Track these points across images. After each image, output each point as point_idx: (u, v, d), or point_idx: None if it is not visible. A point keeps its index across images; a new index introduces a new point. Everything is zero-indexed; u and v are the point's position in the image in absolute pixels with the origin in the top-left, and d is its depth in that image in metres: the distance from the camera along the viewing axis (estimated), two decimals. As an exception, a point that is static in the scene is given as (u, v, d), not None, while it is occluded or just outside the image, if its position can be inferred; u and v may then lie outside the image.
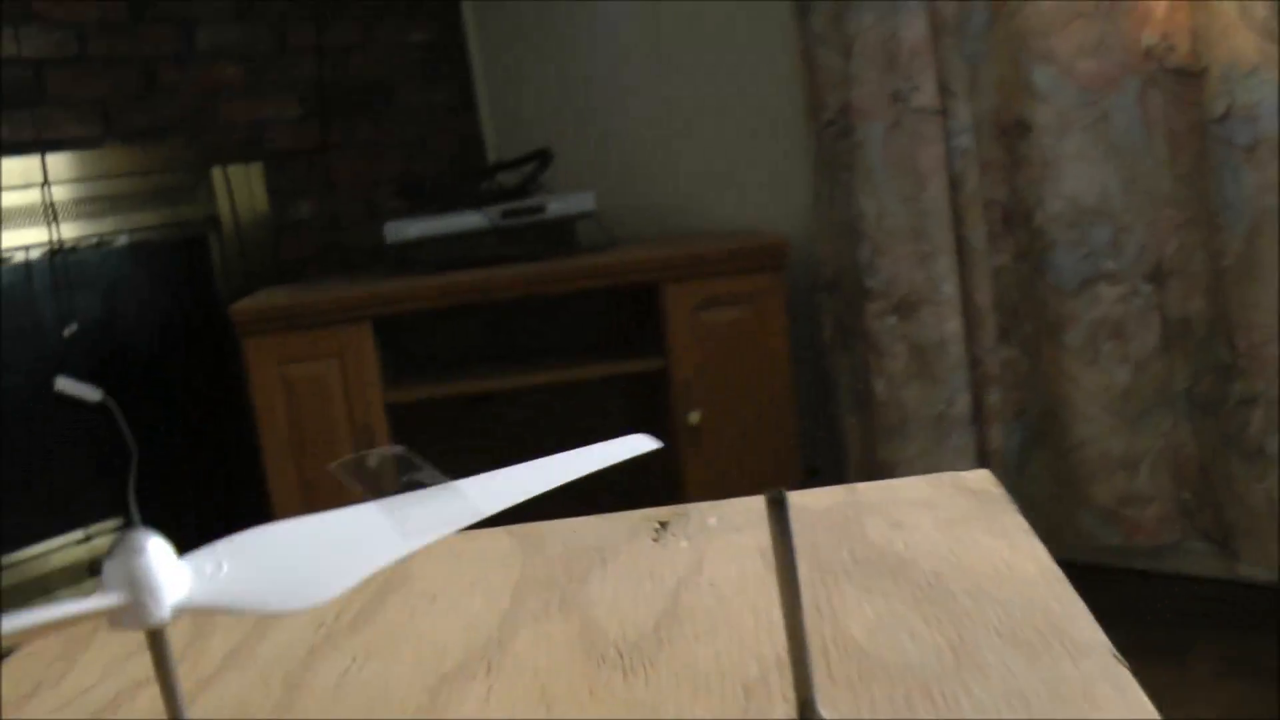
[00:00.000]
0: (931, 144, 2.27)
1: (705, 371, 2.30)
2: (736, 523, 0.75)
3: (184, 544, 0.40)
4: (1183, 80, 2.14)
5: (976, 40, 2.29)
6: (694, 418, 2.29)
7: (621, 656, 0.58)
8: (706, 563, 0.68)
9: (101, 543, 2.40)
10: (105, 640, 0.68)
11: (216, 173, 2.59)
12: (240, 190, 2.63)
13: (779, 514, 0.46)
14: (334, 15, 2.81)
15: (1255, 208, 2.04)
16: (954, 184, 2.30)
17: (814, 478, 2.58)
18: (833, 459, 2.61)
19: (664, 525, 0.76)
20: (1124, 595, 2.27)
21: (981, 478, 0.79)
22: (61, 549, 2.36)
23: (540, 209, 2.41)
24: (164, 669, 0.43)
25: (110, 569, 0.42)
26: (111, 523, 2.44)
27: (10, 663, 0.67)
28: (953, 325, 2.30)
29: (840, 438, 2.56)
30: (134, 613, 0.42)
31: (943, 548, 0.67)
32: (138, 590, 0.41)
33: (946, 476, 0.79)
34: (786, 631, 0.48)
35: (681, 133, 2.77)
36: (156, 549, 0.42)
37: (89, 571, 2.38)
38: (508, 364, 2.44)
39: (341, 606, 0.67)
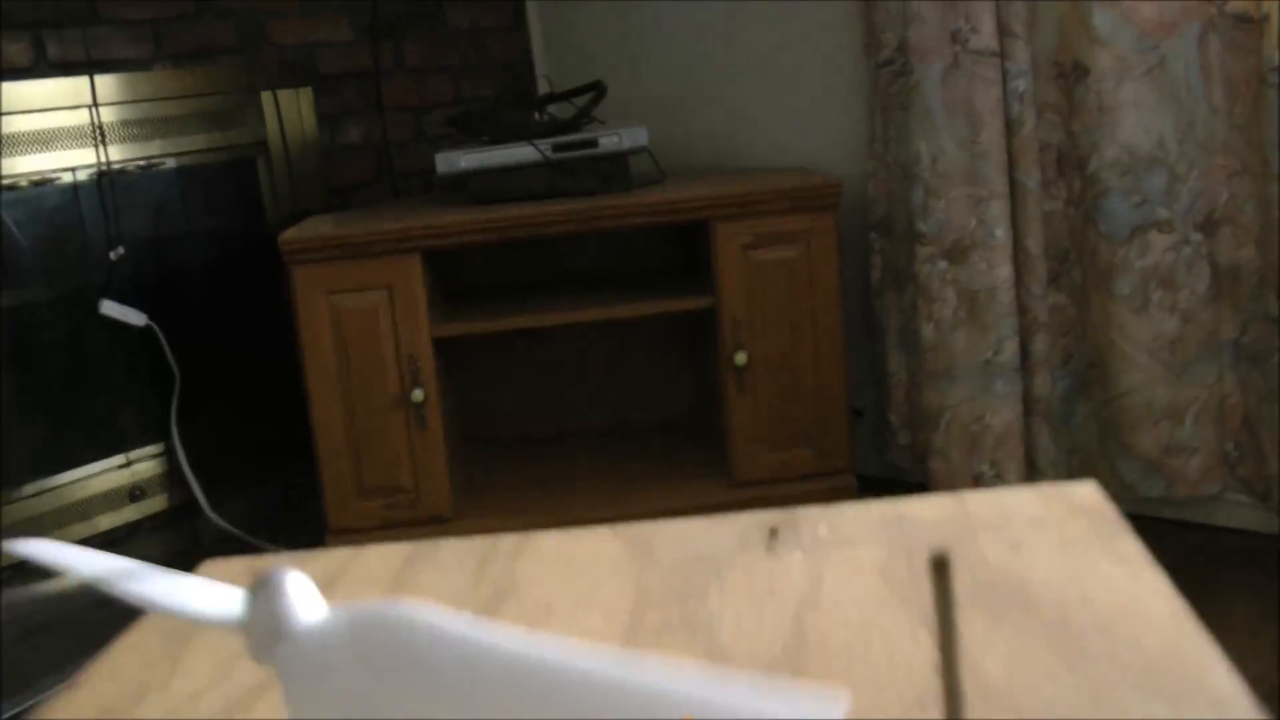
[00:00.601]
0: (989, 86, 2.25)
1: (754, 311, 2.30)
2: (848, 533, 0.74)
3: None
4: (1243, 26, 2.13)
5: (1037, -19, 2.27)
6: (740, 358, 2.29)
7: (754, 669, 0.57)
8: (825, 580, 0.68)
9: (143, 468, 2.42)
10: (208, 639, 0.67)
11: (266, 96, 2.57)
12: (290, 114, 2.61)
13: (942, 579, 0.45)
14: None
15: (1313, 156, 2.04)
16: (1010, 127, 2.28)
17: (859, 418, 2.59)
18: (876, 400, 2.63)
19: (774, 534, 0.75)
20: (1165, 545, 2.28)
21: (1089, 493, 0.78)
22: (102, 474, 2.37)
23: (593, 143, 2.39)
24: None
25: (251, 600, 0.43)
26: (153, 449, 2.45)
27: (108, 658, 0.66)
28: (1003, 271, 2.29)
29: (885, 379, 2.57)
30: (259, 645, 0.42)
31: (1064, 574, 0.66)
32: (269, 626, 0.42)
33: (1054, 490, 0.79)
34: (944, 697, 0.48)
35: (736, 68, 2.75)
36: (297, 588, 0.43)
37: (129, 498, 2.39)
38: (556, 299, 2.44)
39: (448, 595, 0.67)
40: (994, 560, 0.69)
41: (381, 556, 0.76)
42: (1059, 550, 0.69)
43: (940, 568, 0.46)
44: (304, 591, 0.43)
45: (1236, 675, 0.54)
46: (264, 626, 0.43)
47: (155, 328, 2.40)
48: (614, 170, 2.41)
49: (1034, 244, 2.31)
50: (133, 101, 2.38)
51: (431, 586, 0.71)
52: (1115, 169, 2.21)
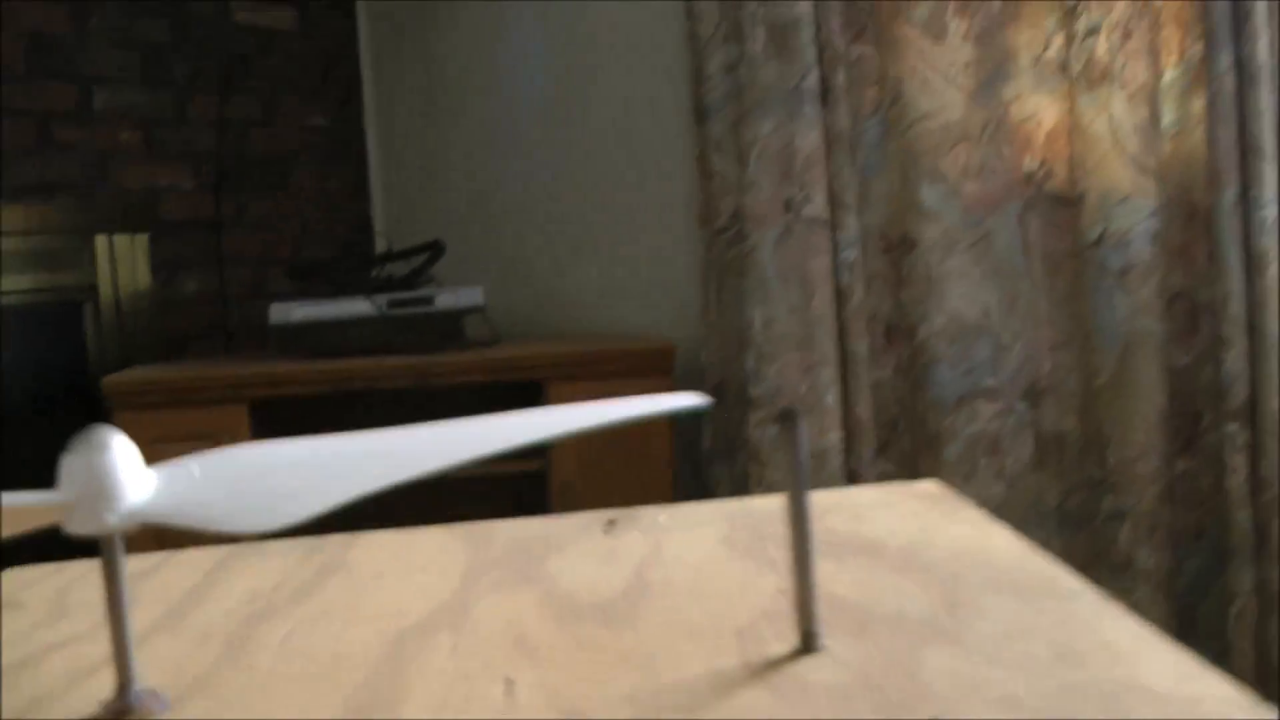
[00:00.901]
0: (820, 254, 2.30)
1: (585, 475, 2.28)
2: (689, 521, 0.75)
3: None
4: (1060, 205, 2.21)
5: (869, 155, 2.34)
6: (571, 516, 2.27)
7: (601, 612, 0.56)
8: (665, 548, 0.68)
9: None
10: None
11: (100, 240, 2.55)
12: (124, 260, 2.59)
13: (790, 431, 0.46)
14: (237, 88, 2.81)
15: (1127, 329, 2.10)
16: (840, 295, 2.33)
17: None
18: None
19: (612, 523, 0.75)
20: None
21: (930, 485, 0.80)
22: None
23: (428, 300, 2.40)
24: (113, 582, 0.41)
25: (68, 464, 0.39)
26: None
27: None
28: (833, 436, 2.31)
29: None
30: (86, 514, 0.39)
31: (907, 532, 0.68)
32: (94, 489, 0.39)
33: (895, 485, 0.81)
34: (793, 556, 0.49)
35: (574, 233, 2.79)
36: (121, 449, 0.40)
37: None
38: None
39: (278, 582, 0.65)
40: (841, 529, 0.70)
41: (201, 553, 0.74)
42: (902, 519, 0.71)
43: (788, 419, 0.47)
44: (125, 450, 0.41)
45: (1084, 580, 0.56)
46: (96, 492, 0.40)
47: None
48: (449, 328, 2.42)
49: (863, 411, 2.33)
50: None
51: (255, 570, 0.68)
52: (943, 338, 2.26)
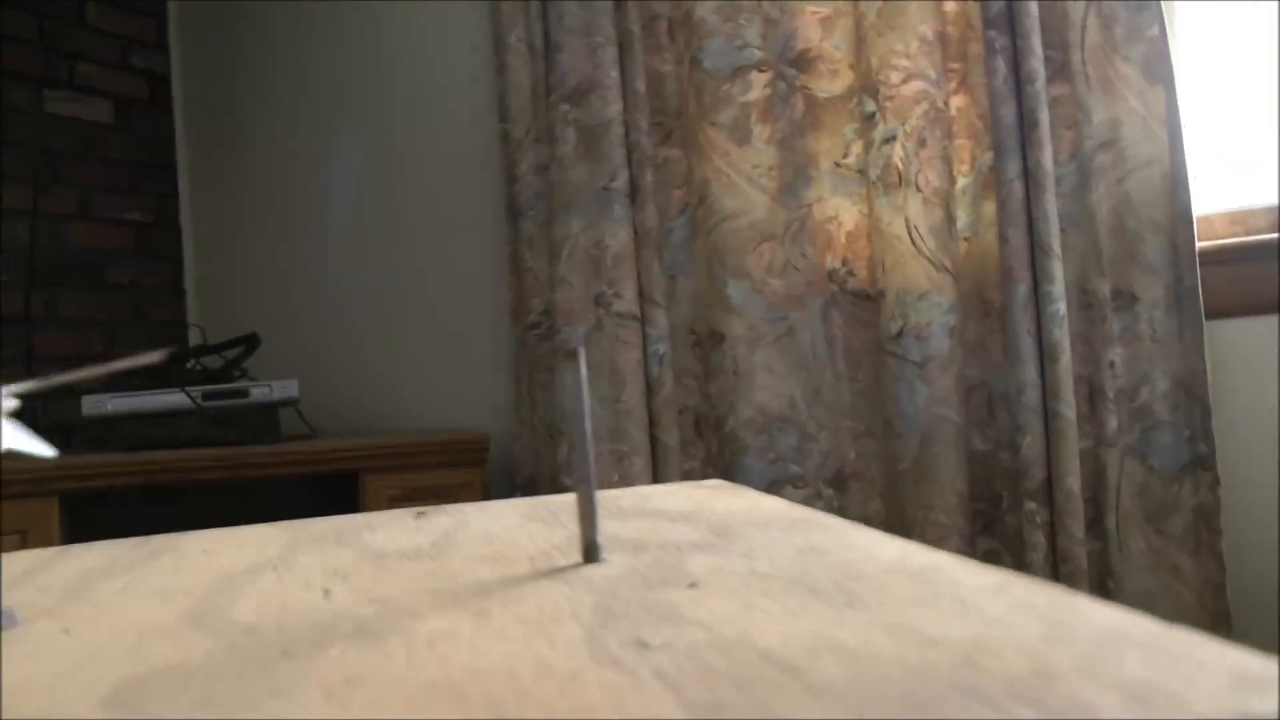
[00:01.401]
0: (630, 348, 2.36)
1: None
2: (494, 509, 0.78)
3: None
4: (861, 302, 2.31)
5: (677, 253, 2.41)
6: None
7: (405, 556, 0.60)
8: (470, 523, 0.72)
9: None
10: None
11: (-93, 333, 2.52)
12: (-70, 355, 2.56)
13: (573, 364, 0.52)
14: (52, 181, 2.79)
15: (927, 417, 2.19)
16: (650, 388, 2.38)
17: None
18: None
19: (423, 513, 0.78)
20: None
21: (718, 481, 0.86)
22: None
23: (244, 393, 2.40)
24: None
25: None
26: None
27: None
28: (645, 523, 2.35)
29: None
30: None
31: (691, 505, 0.72)
32: None
33: (684, 483, 0.87)
34: (576, 476, 0.54)
35: (390, 328, 2.81)
36: None
37: None
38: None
39: (109, 563, 0.66)
40: (628, 505, 0.74)
41: (26, 553, 0.75)
42: (685, 499, 0.76)
43: (571, 354, 0.53)
44: None
45: (847, 521, 0.61)
46: None
47: None
48: (264, 421, 2.42)
49: (675, 500, 2.38)
50: None
51: (85, 558, 0.69)
52: (750, 428, 2.32)
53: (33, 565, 0.67)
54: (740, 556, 0.52)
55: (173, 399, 2.36)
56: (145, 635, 0.44)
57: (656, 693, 0.31)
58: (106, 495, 2.34)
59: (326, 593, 0.51)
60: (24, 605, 0.54)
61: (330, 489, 2.52)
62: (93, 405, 2.34)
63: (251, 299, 3.02)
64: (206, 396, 2.37)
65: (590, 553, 0.54)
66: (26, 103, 2.78)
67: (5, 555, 0.73)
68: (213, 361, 2.53)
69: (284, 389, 2.42)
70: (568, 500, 0.81)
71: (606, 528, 0.65)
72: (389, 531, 0.70)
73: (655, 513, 0.70)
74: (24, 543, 2.14)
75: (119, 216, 2.95)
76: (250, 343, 2.51)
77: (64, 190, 2.83)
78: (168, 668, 0.38)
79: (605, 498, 0.80)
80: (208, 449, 2.31)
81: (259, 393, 2.40)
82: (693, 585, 0.46)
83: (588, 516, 0.55)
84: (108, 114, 2.94)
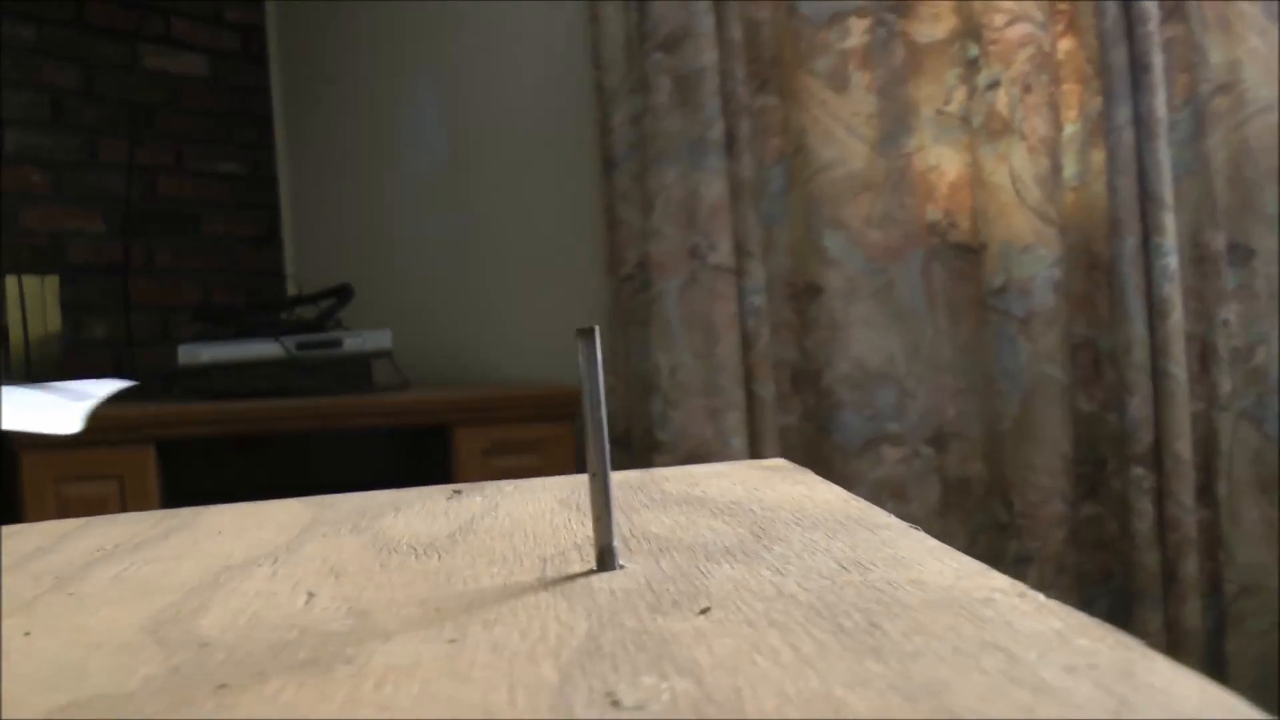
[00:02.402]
0: (726, 301, 2.32)
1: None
2: (534, 489, 0.76)
3: None
4: (963, 255, 2.25)
5: (773, 203, 2.37)
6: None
7: (414, 550, 0.57)
8: (502, 506, 0.69)
9: None
10: None
11: (10, 281, 2.54)
12: (34, 302, 2.57)
13: (587, 346, 0.48)
14: (147, 134, 2.80)
15: (1030, 375, 2.13)
16: (746, 342, 2.34)
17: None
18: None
19: (458, 492, 0.76)
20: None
21: (780, 461, 0.81)
22: None
23: (336, 343, 2.39)
24: None
25: None
26: None
27: None
28: (738, 480, 2.32)
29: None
30: None
31: (740, 492, 0.68)
32: None
33: (744, 461, 0.82)
34: (589, 473, 0.50)
35: (482, 280, 2.79)
36: None
37: None
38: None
39: (124, 539, 0.65)
40: (672, 490, 0.71)
41: (57, 523, 0.74)
42: (736, 484, 0.72)
43: (586, 335, 0.49)
44: None
45: (900, 519, 0.57)
46: None
47: None
48: (356, 371, 2.41)
49: (770, 455, 2.34)
50: None
51: (105, 531, 0.68)
52: (847, 383, 2.28)
53: (46, 541, 0.66)
54: (770, 571, 0.48)
55: (267, 349, 2.36)
56: (97, 649, 0.42)
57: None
58: (201, 443, 2.35)
59: (310, 597, 0.48)
60: (12, 591, 0.53)
61: (421, 441, 2.51)
62: (188, 354, 2.34)
63: (345, 249, 3.02)
64: (300, 346, 2.37)
65: (604, 559, 0.50)
66: (120, 58, 2.79)
67: (32, 525, 0.73)
68: (306, 313, 2.53)
69: (377, 339, 2.41)
70: (623, 479, 0.77)
71: (641, 516, 0.62)
72: (413, 515, 0.68)
73: (698, 501, 0.66)
74: (120, 488, 2.16)
75: (213, 168, 2.96)
76: (343, 294, 2.50)
77: (158, 143, 2.84)
78: (96, 697, 0.36)
79: (654, 476, 0.77)
80: (300, 399, 2.31)
81: (352, 343, 2.40)
82: (704, 611, 0.42)
83: (602, 519, 0.50)
84: (201, 68, 2.95)
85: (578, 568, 0.51)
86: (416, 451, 2.60)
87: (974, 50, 2.17)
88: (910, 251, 2.28)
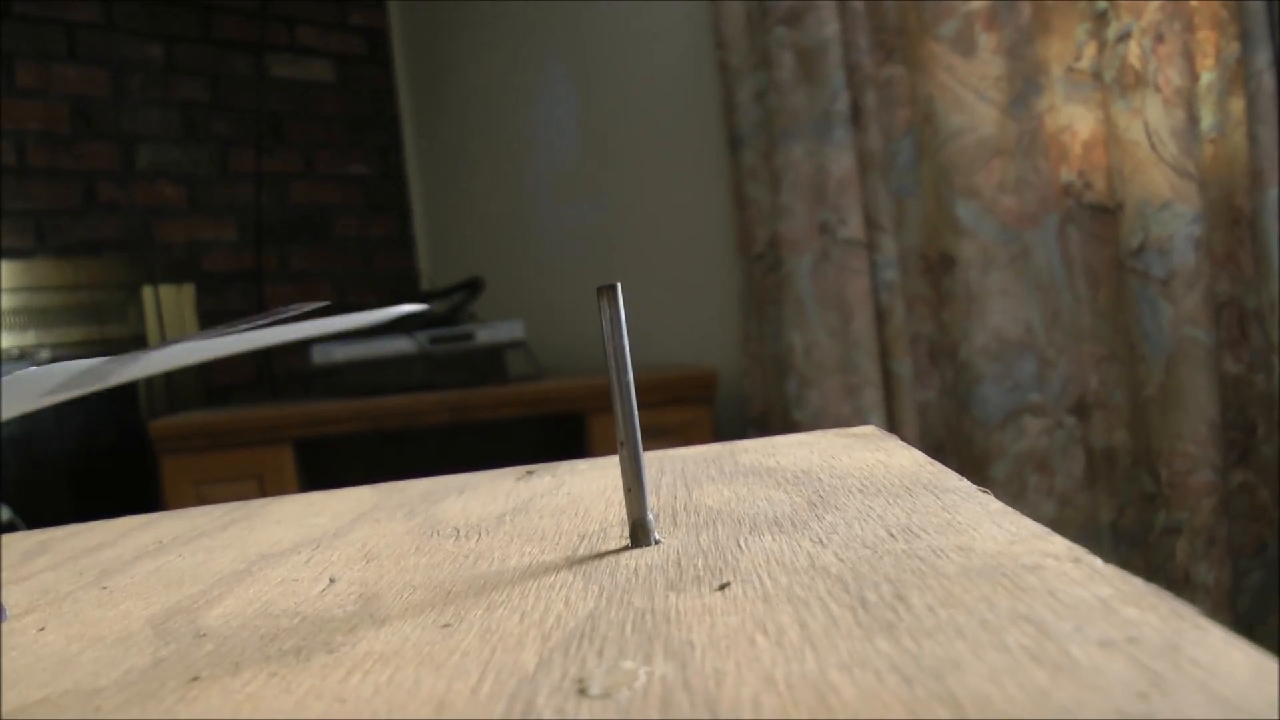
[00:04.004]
0: (858, 276, 2.29)
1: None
2: (607, 465, 0.75)
3: None
4: (1099, 216, 2.19)
5: (903, 175, 2.33)
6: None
7: (458, 531, 0.57)
8: (566, 485, 0.68)
9: None
10: None
11: (147, 292, 2.59)
12: (170, 311, 2.63)
13: (610, 302, 0.47)
14: (276, 142, 2.85)
15: (1173, 338, 2.06)
16: (880, 317, 2.31)
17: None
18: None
19: (531, 472, 0.75)
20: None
21: (869, 429, 0.79)
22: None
23: (469, 336, 2.41)
24: None
25: None
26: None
27: None
28: (878, 457, 2.29)
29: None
30: None
31: (813, 460, 0.66)
32: None
33: (833, 429, 0.80)
34: (618, 437, 0.49)
35: (613, 266, 2.79)
36: None
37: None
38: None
39: (183, 531, 0.66)
40: (745, 461, 0.69)
41: (129, 519, 0.75)
42: (813, 452, 0.70)
43: (609, 292, 0.48)
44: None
45: (970, 483, 0.54)
46: None
47: (20, 524, 2.36)
48: (489, 363, 2.43)
49: (909, 432, 2.31)
50: (11, 290, 2.40)
51: (171, 525, 0.69)
52: (986, 356, 2.23)
53: (110, 537, 0.67)
54: (812, 541, 0.46)
55: (400, 345, 2.38)
56: (97, 642, 0.42)
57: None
58: (338, 441, 2.37)
59: (330, 583, 0.48)
60: (51, 587, 0.53)
61: (558, 429, 2.51)
62: (323, 354, 2.37)
63: (476, 243, 3.04)
64: (433, 341, 2.38)
65: (638, 535, 0.48)
66: (247, 68, 2.84)
67: (99, 523, 0.73)
68: (439, 307, 2.55)
69: (509, 330, 2.42)
70: (699, 451, 0.75)
71: (703, 489, 0.60)
72: (474, 497, 0.67)
73: (767, 472, 0.64)
74: (260, 487, 2.20)
75: (343, 172, 3.00)
76: (474, 287, 2.51)
77: (287, 150, 2.89)
78: (69, 692, 0.36)
79: (732, 448, 0.75)
80: (435, 393, 2.32)
81: (484, 335, 2.41)
82: (723, 587, 0.40)
83: (633, 491, 0.49)
84: (328, 73, 3.00)
85: (614, 545, 0.50)
86: (554, 442, 2.60)
87: (1103, 2, 2.11)
88: (1045, 216, 2.23)
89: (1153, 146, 2.07)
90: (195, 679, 0.36)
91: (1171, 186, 2.06)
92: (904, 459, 0.64)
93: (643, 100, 2.74)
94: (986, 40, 2.22)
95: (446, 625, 0.39)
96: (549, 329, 2.72)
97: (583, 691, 0.31)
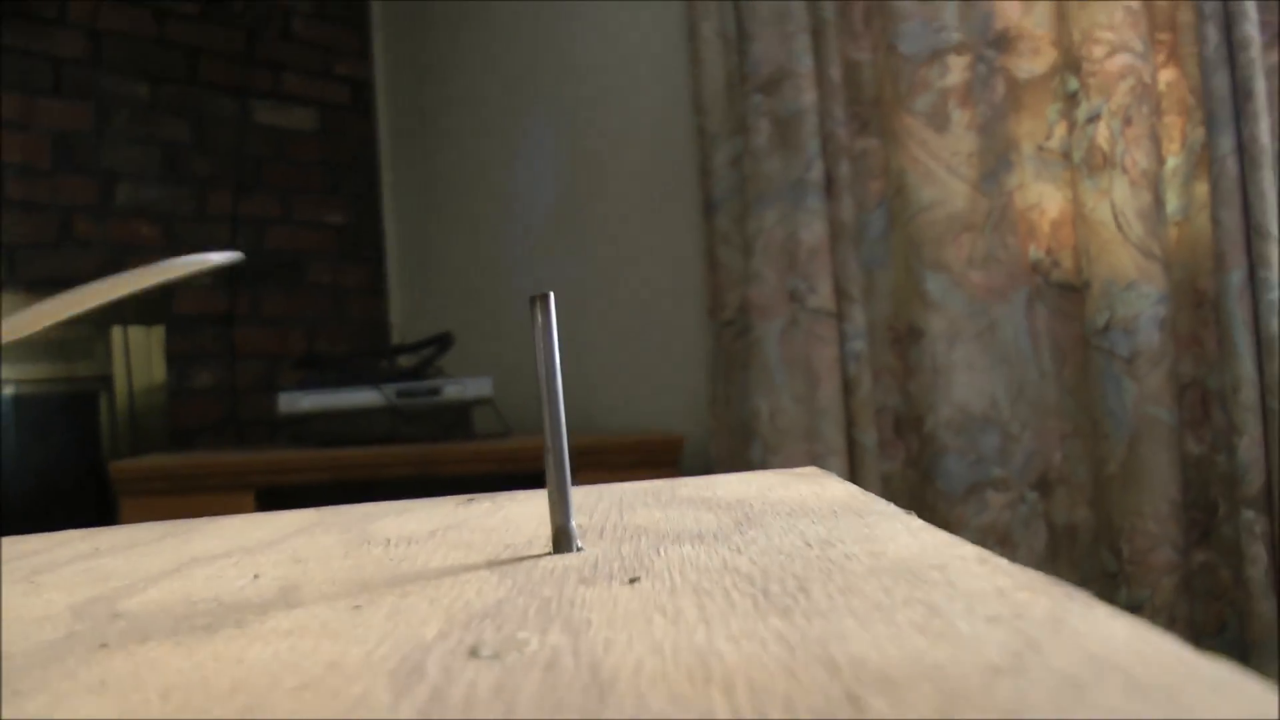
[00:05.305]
0: (826, 345, 2.30)
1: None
2: (544, 496, 0.76)
3: None
4: (1066, 294, 2.20)
5: (873, 246, 2.35)
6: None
7: (388, 541, 0.57)
8: (504, 510, 0.68)
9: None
10: None
11: (116, 332, 2.59)
12: (139, 352, 2.63)
13: (543, 311, 0.48)
14: (255, 186, 2.86)
15: (1136, 417, 2.07)
16: (847, 386, 2.32)
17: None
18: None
19: (472, 499, 0.76)
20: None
21: (808, 469, 0.79)
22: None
23: (437, 391, 2.41)
24: None
25: None
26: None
27: None
28: (840, 525, 2.29)
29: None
30: None
31: (750, 493, 0.67)
32: None
33: (771, 470, 0.81)
34: (544, 445, 0.50)
35: (584, 326, 2.79)
36: None
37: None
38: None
39: (123, 540, 0.66)
40: (683, 493, 0.70)
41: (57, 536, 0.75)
42: (751, 487, 0.71)
43: (541, 301, 0.51)
44: None
45: (900, 508, 0.55)
46: None
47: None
48: (456, 419, 2.43)
49: (872, 501, 2.31)
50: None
51: (112, 534, 0.70)
52: (950, 428, 2.24)
53: (45, 547, 0.67)
54: (731, 549, 0.47)
55: (366, 396, 2.38)
56: (15, 622, 0.42)
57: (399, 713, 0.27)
58: (301, 490, 2.37)
59: (254, 578, 0.48)
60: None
61: (522, 488, 2.51)
62: (288, 402, 2.37)
63: (449, 297, 3.04)
64: (400, 394, 2.38)
65: (560, 541, 0.49)
66: (231, 112, 2.86)
67: (33, 536, 0.73)
68: (408, 361, 2.55)
69: (477, 387, 2.43)
70: (640, 486, 0.76)
71: (636, 513, 0.61)
72: (412, 517, 0.68)
73: (701, 500, 0.65)
74: (225, 536, 2.18)
75: (320, 219, 3.01)
76: (443, 342, 2.52)
77: (266, 194, 2.90)
78: None
79: (672, 484, 0.76)
80: (401, 446, 2.32)
81: (452, 390, 2.41)
82: (634, 580, 0.41)
83: (558, 499, 0.49)
84: (310, 120, 3.01)
85: (537, 552, 0.50)
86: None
87: (1074, 84, 2.13)
88: (1013, 292, 2.24)
89: (1119, 227, 2.09)
90: (103, 646, 0.36)
91: (1137, 267, 2.08)
92: (838, 491, 0.65)
93: (620, 160, 2.75)
94: (960, 116, 2.24)
95: (357, 607, 0.40)
96: (518, 387, 2.72)
97: (473, 653, 0.32)
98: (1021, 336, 2.23)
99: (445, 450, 2.29)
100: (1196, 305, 2.11)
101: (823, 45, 2.33)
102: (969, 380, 2.24)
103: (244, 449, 2.57)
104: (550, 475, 0.49)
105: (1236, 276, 1.99)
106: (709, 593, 0.38)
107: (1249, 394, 2.00)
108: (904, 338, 2.31)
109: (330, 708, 0.27)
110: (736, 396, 2.43)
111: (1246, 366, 2.00)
